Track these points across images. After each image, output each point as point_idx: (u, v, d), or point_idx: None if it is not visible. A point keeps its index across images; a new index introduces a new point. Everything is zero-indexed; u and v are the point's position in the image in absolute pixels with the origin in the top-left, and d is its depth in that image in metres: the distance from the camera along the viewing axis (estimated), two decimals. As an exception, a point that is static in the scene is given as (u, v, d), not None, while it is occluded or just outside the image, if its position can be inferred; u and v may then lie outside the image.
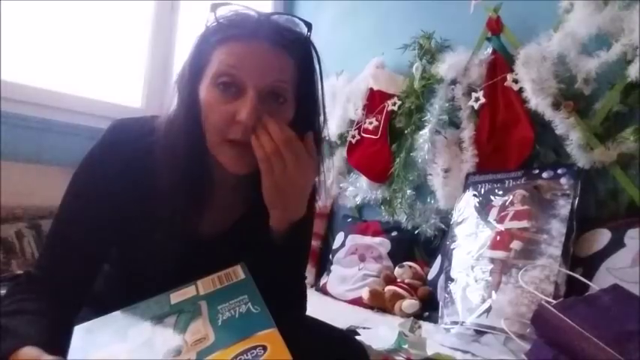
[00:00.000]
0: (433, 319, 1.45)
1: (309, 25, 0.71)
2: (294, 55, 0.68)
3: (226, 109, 0.64)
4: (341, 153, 2.15)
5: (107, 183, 0.69)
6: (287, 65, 0.67)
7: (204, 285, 0.61)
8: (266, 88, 0.65)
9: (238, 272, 0.63)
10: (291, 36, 0.68)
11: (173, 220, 0.70)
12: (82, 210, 0.70)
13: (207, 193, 0.73)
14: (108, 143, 0.71)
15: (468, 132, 1.60)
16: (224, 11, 0.67)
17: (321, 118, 0.75)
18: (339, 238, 2.03)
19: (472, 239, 1.42)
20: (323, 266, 2.09)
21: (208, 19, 0.67)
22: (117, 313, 0.60)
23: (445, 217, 1.69)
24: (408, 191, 1.82)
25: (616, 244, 1.21)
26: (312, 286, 2.07)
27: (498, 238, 1.34)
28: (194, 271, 0.64)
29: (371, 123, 1.98)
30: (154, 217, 0.70)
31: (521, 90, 1.46)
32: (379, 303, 1.63)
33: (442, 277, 1.49)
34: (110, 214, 0.70)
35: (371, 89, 2.02)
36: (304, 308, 0.84)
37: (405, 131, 1.86)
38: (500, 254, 1.31)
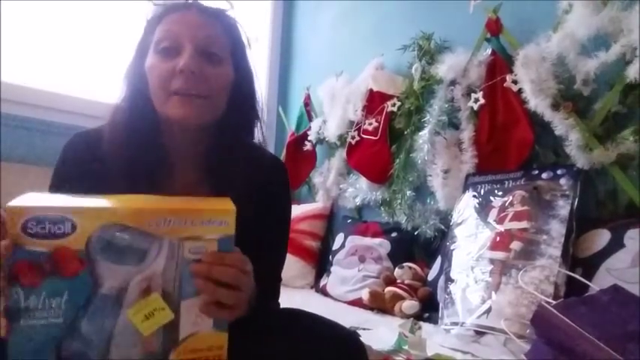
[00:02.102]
0: (433, 319, 1.45)
1: (230, 4, 0.83)
2: (223, 26, 0.78)
3: (168, 65, 0.72)
4: (340, 154, 2.16)
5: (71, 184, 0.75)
6: (218, 29, 0.76)
7: None
8: (201, 43, 0.73)
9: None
10: (217, 10, 0.80)
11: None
12: None
13: (160, 157, 0.77)
14: (65, 154, 0.79)
15: (467, 133, 1.60)
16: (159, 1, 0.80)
17: (256, 82, 0.84)
18: (339, 239, 2.03)
19: (472, 240, 1.42)
20: (323, 267, 2.09)
21: (148, 12, 0.79)
22: None
23: (445, 217, 1.69)
24: (408, 192, 1.82)
25: (615, 244, 1.21)
26: (311, 287, 2.07)
27: (498, 238, 1.35)
28: None
29: (370, 124, 1.98)
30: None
31: (520, 91, 1.46)
32: (379, 304, 1.63)
33: (442, 278, 1.49)
34: None
35: (370, 90, 2.02)
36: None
37: (405, 132, 1.86)
38: (499, 255, 1.31)
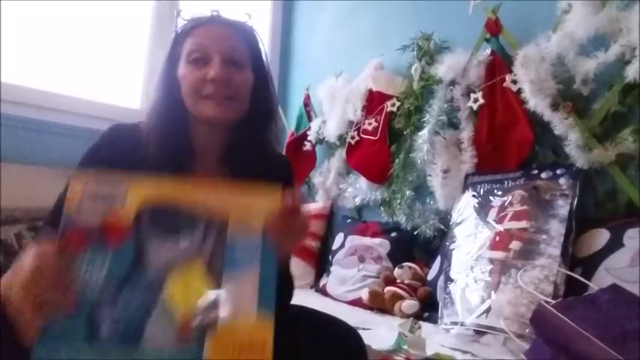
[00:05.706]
0: (433, 319, 1.45)
1: (248, 15, 0.93)
2: (243, 36, 0.89)
3: (199, 74, 0.83)
4: (340, 154, 2.16)
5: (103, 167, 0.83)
6: (240, 41, 0.87)
7: None
8: (227, 54, 0.84)
9: None
10: (238, 23, 0.90)
11: None
12: None
13: (188, 150, 0.86)
14: (104, 140, 0.86)
15: (467, 133, 1.60)
16: (186, 15, 0.90)
17: (272, 84, 0.95)
18: (339, 239, 2.03)
19: (471, 240, 1.42)
20: (322, 267, 2.09)
21: (177, 23, 0.90)
22: None
23: (444, 217, 1.69)
24: (408, 192, 1.82)
25: (615, 244, 1.21)
26: (311, 287, 2.07)
27: (497, 238, 1.35)
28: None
29: (370, 124, 1.98)
30: None
31: (520, 91, 1.46)
32: (379, 304, 1.63)
33: (442, 278, 1.49)
34: None
35: (370, 90, 2.02)
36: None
37: (404, 132, 1.86)
38: (499, 254, 1.31)
